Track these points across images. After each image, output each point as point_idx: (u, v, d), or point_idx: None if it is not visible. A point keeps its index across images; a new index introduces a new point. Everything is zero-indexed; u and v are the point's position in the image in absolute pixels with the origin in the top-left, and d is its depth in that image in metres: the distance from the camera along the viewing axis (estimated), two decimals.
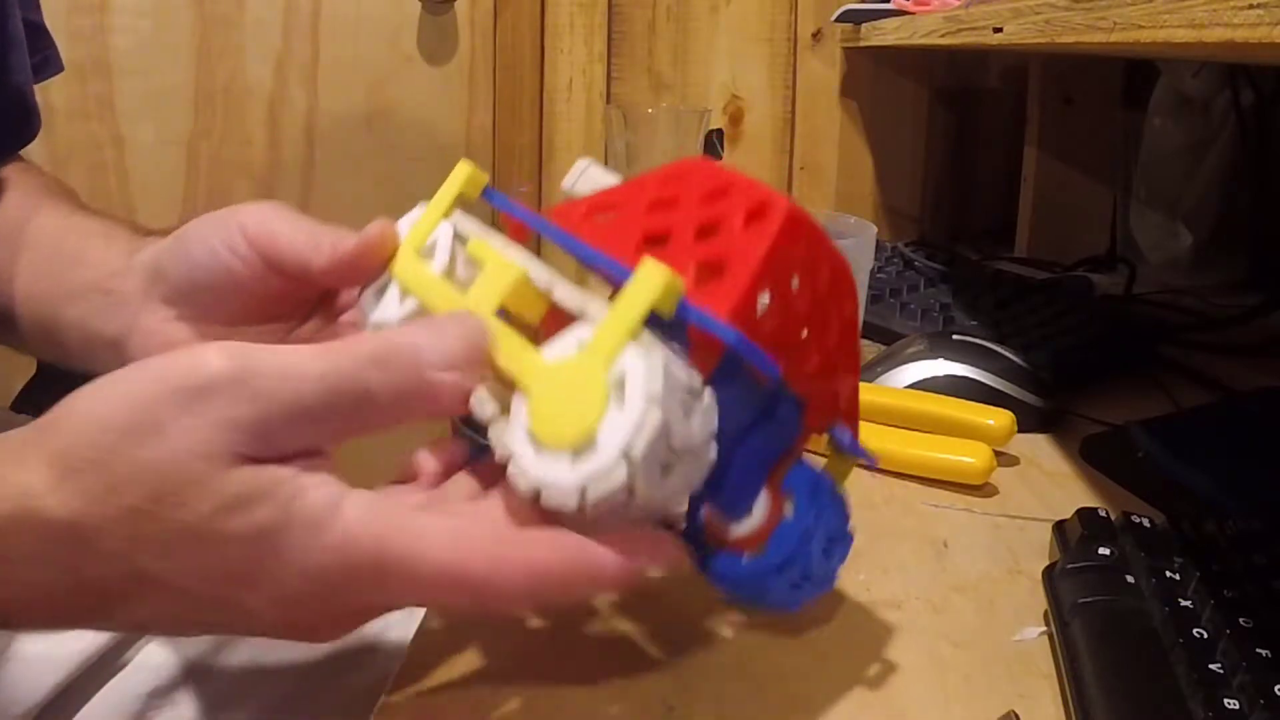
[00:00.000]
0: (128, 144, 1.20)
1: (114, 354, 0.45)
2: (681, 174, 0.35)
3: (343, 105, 1.22)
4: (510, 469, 0.30)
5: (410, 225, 0.39)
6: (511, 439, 0.31)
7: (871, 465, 0.32)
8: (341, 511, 0.29)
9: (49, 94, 0.60)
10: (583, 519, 0.29)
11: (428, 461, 0.36)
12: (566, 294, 0.33)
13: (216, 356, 0.29)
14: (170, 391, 0.28)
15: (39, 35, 0.61)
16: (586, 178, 0.40)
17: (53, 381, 0.53)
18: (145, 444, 0.28)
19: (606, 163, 1.07)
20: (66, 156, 1.18)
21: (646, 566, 0.31)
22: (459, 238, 0.38)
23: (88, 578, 0.29)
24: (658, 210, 0.35)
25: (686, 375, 0.29)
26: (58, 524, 0.28)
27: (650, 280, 0.30)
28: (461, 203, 0.39)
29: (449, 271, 0.37)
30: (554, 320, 0.34)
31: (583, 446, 0.29)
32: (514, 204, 0.39)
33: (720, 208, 0.33)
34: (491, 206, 0.40)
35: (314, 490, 0.29)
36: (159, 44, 1.19)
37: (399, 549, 0.29)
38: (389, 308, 0.38)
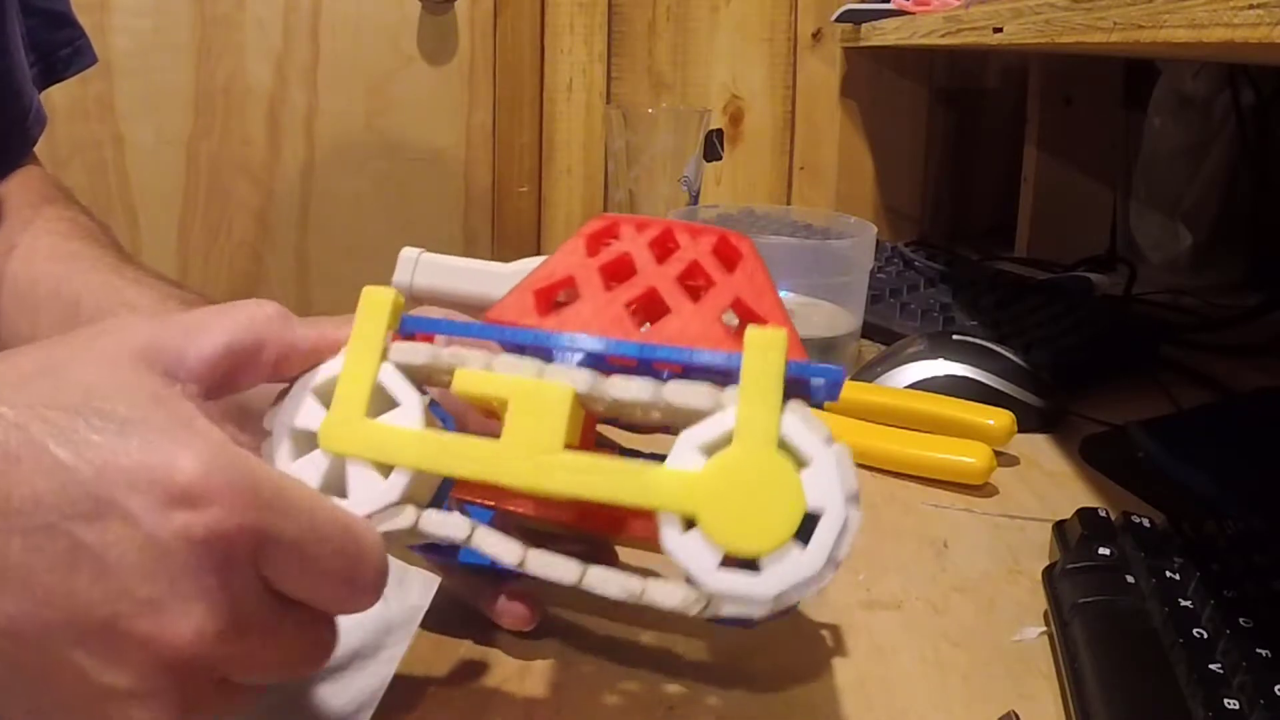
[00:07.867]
0: (128, 144, 1.20)
1: None
2: (604, 231, 0.33)
3: (343, 105, 1.22)
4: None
5: (324, 379, 0.30)
6: (688, 561, 0.27)
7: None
8: None
9: (48, 93, 0.59)
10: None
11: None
12: (628, 387, 0.28)
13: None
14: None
15: (66, 25, 0.58)
16: (423, 267, 0.37)
17: None
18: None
19: (607, 163, 1.07)
20: (67, 156, 1.18)
21: None
22: (412, 379, 0.30)
23: None
24: (618, 278, 0.32)
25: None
26: None
27: (773, 347, 0.28)
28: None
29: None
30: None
31: (784, 550, 0.27)
32: (454, 323, 0.32)
33: (681, 254, 0.32)
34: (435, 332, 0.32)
35: None
36: (159, 44, 1.19)
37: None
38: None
